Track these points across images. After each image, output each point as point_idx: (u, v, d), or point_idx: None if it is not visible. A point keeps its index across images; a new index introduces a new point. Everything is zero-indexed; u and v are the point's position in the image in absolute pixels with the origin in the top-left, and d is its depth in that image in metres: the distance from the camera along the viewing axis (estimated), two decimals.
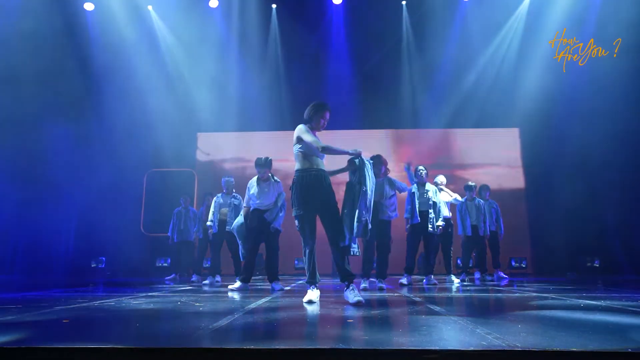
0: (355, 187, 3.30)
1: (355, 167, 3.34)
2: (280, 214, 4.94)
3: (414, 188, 5.68)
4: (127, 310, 2.86)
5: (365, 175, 3.28)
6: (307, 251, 3.28)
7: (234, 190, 6.21)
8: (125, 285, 5.78)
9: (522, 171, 9.28)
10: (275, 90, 9.32)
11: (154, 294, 4.32)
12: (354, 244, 3.30)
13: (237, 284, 4.72)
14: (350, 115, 8.95)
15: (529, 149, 9.18)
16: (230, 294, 4.19)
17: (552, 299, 3.42)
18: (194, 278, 6.71)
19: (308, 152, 3.28)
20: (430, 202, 5.70)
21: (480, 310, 2.76)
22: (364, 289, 4.50)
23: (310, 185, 3.21)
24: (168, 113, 9.16)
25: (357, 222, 3.22)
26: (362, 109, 9.22)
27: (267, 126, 9.31)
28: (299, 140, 3.30)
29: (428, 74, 9.04)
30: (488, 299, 3.42)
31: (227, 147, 9.66)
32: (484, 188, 7.07)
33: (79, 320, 2.39)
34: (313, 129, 3.39)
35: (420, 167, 5.74)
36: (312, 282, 3.33)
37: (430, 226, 5.62)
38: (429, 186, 5.73)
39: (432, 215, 5.67)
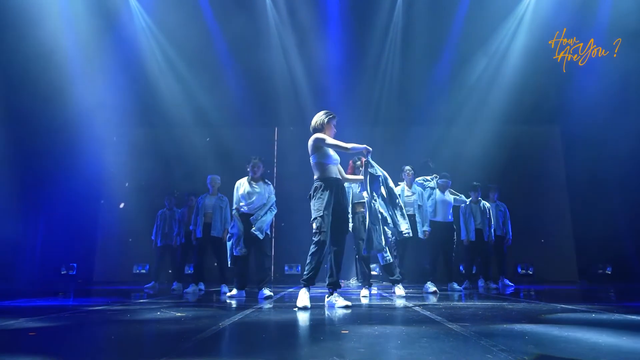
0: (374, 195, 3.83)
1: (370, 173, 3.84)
2: (265, 218, 4.92)
3: (399, 190, 5.73)
4: (101, 322, 2.84)
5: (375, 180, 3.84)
6: (316, 251, 3.59)
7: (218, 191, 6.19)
8: (100, 294, 5.73)
9: None
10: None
11: (131, 303, 4.28)
12: (385, 254, 4.07)
13: (234, 291, 4.84)
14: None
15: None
16: (226, 300, 4.19)
17: (562, 308, 3.45)
18: (175, 286, 6.68)
19: (325, 162, 3.72)
20: (416, 206, 5.74)
21: (484, 320, 2.78)
22: (364, 296, 4.58)
23: (332, 192, 3.66)
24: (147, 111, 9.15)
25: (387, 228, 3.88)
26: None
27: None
28: (317, 149, 3.73)
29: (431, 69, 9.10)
30: (492, 309, 3.44)
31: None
32: (492, 189, 7.11)
33: (46, 334, 2.37)
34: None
35: (407, 167, 5.77)
36: (307, 284, 3.62)
37: (419, 231, 5.68)
38: (415, 188, 5.75)
39: (418, 219, 5.70)
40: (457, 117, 9.23)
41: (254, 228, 4.79)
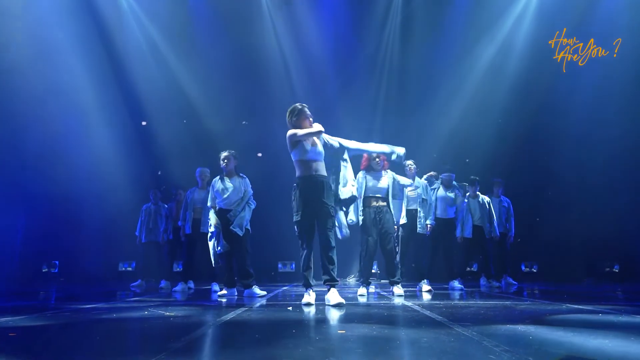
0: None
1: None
2: (244, 214, 4.92)
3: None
4: (86, 322, 2.83)
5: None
6: (303, 256, 3.82)
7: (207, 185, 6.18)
8: (84, 292, 5.72)
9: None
10: None
11: (117, 303, 4.28)
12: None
13: (224, 290, 4.90)
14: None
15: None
16: (217, 299, 4.20)
17: (567, 307, 3.48)
18: (163, 284, 6.67)
19: (302, 158, 3.78)
20: (420, 200, 5.76)
21: (486, 320, 2.80)
22: (361, 295, 4.62)
23: (309, 191, 3.75)
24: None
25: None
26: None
27: None
28: (293, 145, 3.80)
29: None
30: (495, 308, 3.47)
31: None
32: (497, 184, 7.11)
33: (28, 334, 2.36)
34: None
35: (409, 162, 5.79)
36: (306, 286, 3.86)
37: (419, 226, 5.69)
38: (418, 182, 5.77)
39: (421, 214, 5.72)
40: (462, 108, 9.23)
41: (232, 225, 4.80)
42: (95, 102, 9.03)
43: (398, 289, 4.81)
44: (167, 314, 3.18)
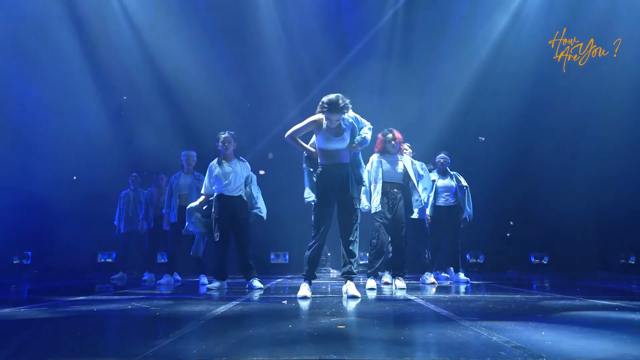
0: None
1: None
2: (259, 203, 5.07)
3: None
4: (64, 318, 2.84)
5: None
6: (312, 244, 3.90)
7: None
8: (60, 286, 5.72)
9: None
10: None
11: (97, 297, 4.29)
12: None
13: (216, 283, 4.90)
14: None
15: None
16: (206, 293, 4.22)
17: (581, 301, 3.53)
18: (146, 277, 6.69)
19: (325, 148, 3.90)
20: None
21: (495, 314, 2.83)
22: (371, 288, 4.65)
23: (330, 180, 3.88)
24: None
25: None
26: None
27: None
28: (313, 131, 3.98)
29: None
30: (504, 302, 3.51)
31: None
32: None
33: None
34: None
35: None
36: (308, 278, 3.92)
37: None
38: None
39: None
40: (470, 87, 9.21)
41: (257, 209, 4.99)
42: (67, 78, 8.94)
43: (400, 282, 4.85)
44: (152, 308, 3.19)
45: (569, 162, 9.01)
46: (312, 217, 3.99)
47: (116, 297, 4.19)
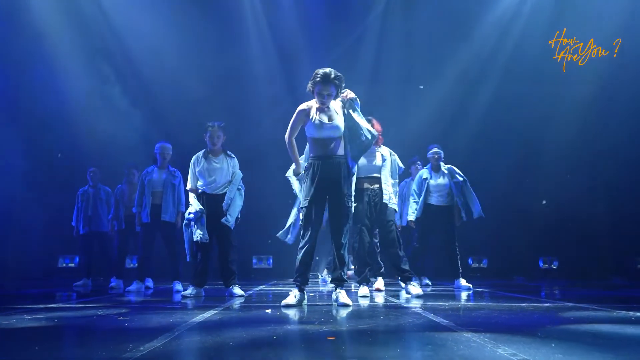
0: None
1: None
2: (238, 202, 4.98)
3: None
4: (19, 330, 2.80)
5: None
6: (302, 246, 3.89)
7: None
8: (14, 295, 5.65)
9: None
10: None
11: (57, 305, 4.25)
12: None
13: (190, 289, 4.85)
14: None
15: None
16: (181, 301, 4.19)
17: (594, 310, 3.57)
18: (114, 283, 6.63)
19: (317, 136, 3.88)
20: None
21: (500, 324, 2.86)
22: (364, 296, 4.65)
23: (322, 175, 3.85)
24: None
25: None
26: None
27: None
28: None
29: None
30: (510, 311, 3.54)
31: None
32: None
33: None
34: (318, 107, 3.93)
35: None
36: (299, 284, 3.89)
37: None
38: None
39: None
40: (471, 75, 9.27)
41: (226, 217, 4.82)
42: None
43: (414, 288, 4.79)
44: (121, 318, 3.17)
45: (581, 159, 9.10)
46: (301, 215, 4.00)
47: (79, 306, 4.15)
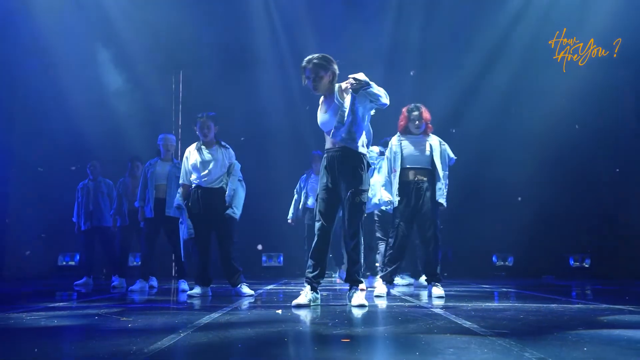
0: None
1: None
2: (241, 193, 5.01)
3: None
4: (18, 330, 2.84)
5: None
6: (314, 242, 3.93)
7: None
8: (13, 293, 5.73)
9: None
10: None
11: (57, 304, 4.30)
12: None
13: (196, 289, 4.90)
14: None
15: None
16: (187, 301, 4.22)
17: (630, 312, 3.53)
18: (116, 282, 6.70)
19: (322, 129, 3.98)
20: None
21: (527, 326, 2.84)
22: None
23: (328, 169, 3.89)
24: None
25: None
26: None
27: None
28: None
29: None
30: (538, 312, 3.52)
31: None
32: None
33: None
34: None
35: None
36: (311, 283, 3.88)
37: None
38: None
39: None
40: (496, 60, 9.20)
41: (232, 209, 4.86)
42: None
43: (437, 289, 4.71)
44: (124, 319, 3.20)
45: (618, 149, 9.00)
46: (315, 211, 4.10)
47: (80, 307, 4.19)
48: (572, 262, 8.98)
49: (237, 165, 5.07)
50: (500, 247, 8.92)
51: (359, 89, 3.68)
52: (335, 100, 3.84)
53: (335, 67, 3.89)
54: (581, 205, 8.97)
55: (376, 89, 3.72)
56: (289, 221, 7.59)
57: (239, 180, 5.06)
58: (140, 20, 8.85)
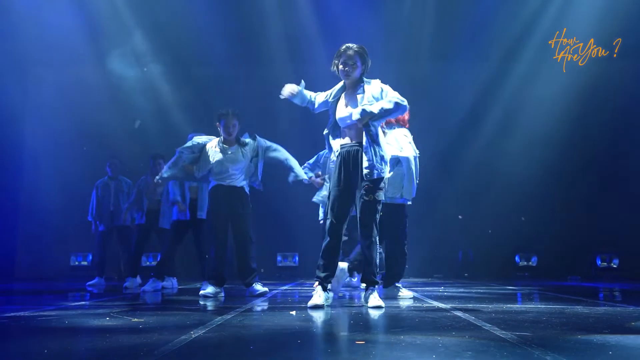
0: None
1: None
2: (295, 167, 5.09)
3: None
4: (29, 333, 2.88)
5: None
6: (324, 240, 3.94)
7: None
8: (25, 294, 5.80)
9: None
10: None
11: (69, 306, 4.35)
12: None
13: (210, 288, 4.91)
14: None
15: None
16: (200, 302, 4.26)
17: None
18: (128, 282, 6.75)
19: (339, 124, 4.01)
20: None
21: (549, 328, 2.81)
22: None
23: (344, 166, 3.89)
24: None
25: None
26: None
27: None
28: None
29: None
30: (561, 314, 3.48)
31: None
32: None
33: None
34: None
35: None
36: (321, 283, 3.87)
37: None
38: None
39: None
40: (519, 51, 9.12)
41: (292, 175, 5.00)
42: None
43: (404, 291, 4.88)
44: (135, 320, 3.23)
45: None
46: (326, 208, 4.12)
47: (92, 307, 4.24)
48: (599, 262, 8.88)
49: (269, 146, 5.14)
50: (523, 246, 8.83)
51: (368, 121, 3.78)
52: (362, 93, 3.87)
53: (370, 62, 3.97)
54: (609, 203, 8.87)
55: (385, 107, 3.77)
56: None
57: (275, 147, 5.16)
58: (148, 19, 8.96)
